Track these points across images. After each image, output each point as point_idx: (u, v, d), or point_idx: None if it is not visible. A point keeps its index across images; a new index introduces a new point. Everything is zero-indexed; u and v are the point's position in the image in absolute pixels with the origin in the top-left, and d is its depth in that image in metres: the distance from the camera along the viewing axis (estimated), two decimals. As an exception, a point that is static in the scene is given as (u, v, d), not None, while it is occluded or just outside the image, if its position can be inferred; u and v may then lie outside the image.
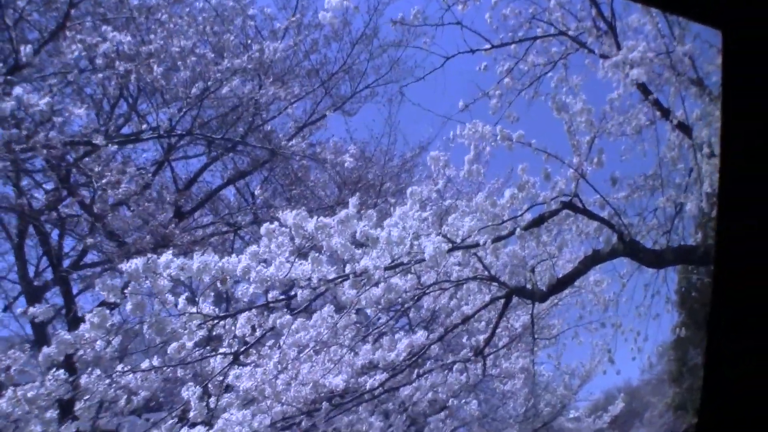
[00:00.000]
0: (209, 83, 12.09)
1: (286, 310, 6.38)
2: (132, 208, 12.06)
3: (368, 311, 9.61)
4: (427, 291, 8.94)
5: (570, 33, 9.01)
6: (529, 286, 8.48)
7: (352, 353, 8.73)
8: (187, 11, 12.08)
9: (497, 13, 9.21)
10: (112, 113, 14.18)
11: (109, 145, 11.13)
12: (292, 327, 6.88)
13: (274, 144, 13.38)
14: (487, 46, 9.15)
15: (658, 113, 8.19)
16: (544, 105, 8.91)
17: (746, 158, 3.21)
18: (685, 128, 7.80)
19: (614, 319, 10.68)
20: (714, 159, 7.06)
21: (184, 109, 12.12)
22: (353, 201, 6.43)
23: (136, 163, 13.83)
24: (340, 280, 6.09)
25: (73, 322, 11.05)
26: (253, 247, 5.54)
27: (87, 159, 11.13)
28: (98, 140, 10.42)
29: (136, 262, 4.90)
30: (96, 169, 10.63)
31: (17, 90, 8.50)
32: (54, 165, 10.82)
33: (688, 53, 7.29)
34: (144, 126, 12.34)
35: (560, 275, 8.39)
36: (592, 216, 7.81)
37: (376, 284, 6.68)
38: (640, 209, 8.99)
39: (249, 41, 13.63)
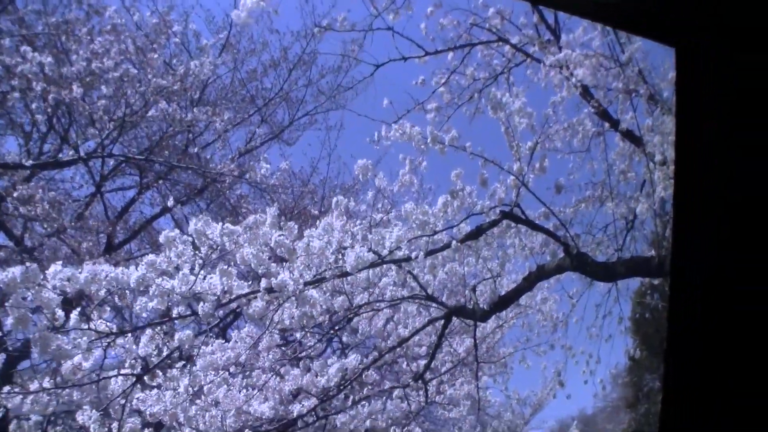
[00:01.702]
0: (133, 103, 11.60)
1: (193, 327, 5.87)
2: (64, 239, 11.54)
3: (297, 334, 9.13)
4: (359, 312, 8.50)
5: (512, 42, 8.66)
6: (470, 305, 8.05)
7: (278, 378, 8.23)
8: (108, 28, 11.59)
9: (433, 23, 8.83)
10: (42, 140, 13.69)
11: (33, 168, 10.76)
12: (208, 348, 6.40)
13: (208, 170, 12.86)
14: (422, 53, 8.75)
15: (606, 124, 7.91)
16: (485, 121, 8.59)
17: (702, 169, 3.02)
18: (633, 137, 7.52)
19: (564, 340, 10.35)
20: (666, 167, 6.79)
21: (106, 131, 11.57)
22: (271, 211, 5.98)
23: (69, 194, 13.38)
24: (251, 295, 5.60)
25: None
26: (150, 257, 5.03)
27: (18, 189, 10.55)
28: (24, 162, 10.01)
29: (13, 271, 4.38)
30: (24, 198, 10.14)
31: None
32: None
33: (639, 69, 7.11)
34: (71, 152, 11.76)
35: (503, 293, 7.99)
36: (535, 227, 7.40)
37: (296, 301, 6.21)
38: (588, 221, 8.70)
39: (174, 60, 13.20)
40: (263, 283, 5.61)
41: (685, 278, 2.92)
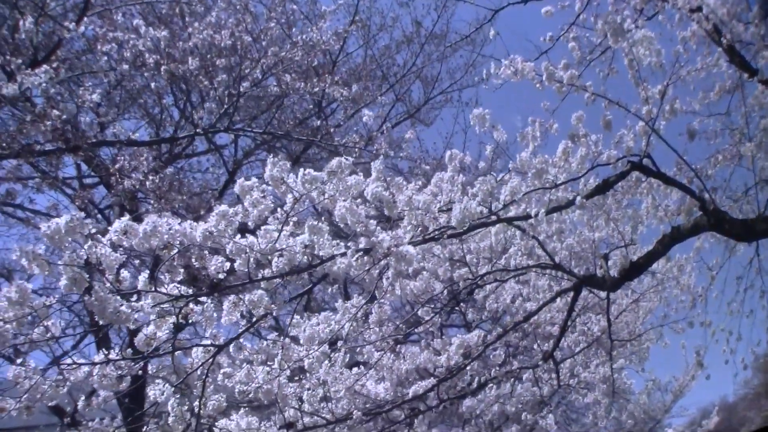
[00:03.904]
0: (253, 77, 11.14)
1: (282, 291, 5.17)
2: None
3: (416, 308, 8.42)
4: (481, 282, 7.76)
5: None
6: (600, 273, 7.21)
7: (393, 355, 7.54)
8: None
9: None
10: (176, 127, 13.60)
11: (151, 144, 10.59)
12: (304, 317, 5.73)
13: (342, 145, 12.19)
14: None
15: (744, 74, 6.99)
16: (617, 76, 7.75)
17: None
18: None
19: (703, 317, 9.69)
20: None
21: (226, 106, 11.14)
22: (376, 164, 5.27)
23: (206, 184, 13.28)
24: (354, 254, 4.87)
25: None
26: (223, 207, 4.37)
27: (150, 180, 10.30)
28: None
29: (57, 221, 3.81)
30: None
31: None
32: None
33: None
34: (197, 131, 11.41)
35: (635, 259, 7.13)
36: (668, 181, 6.54)
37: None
38: (725, 177, 7.84)
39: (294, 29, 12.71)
40: (362, 243, 4.89)
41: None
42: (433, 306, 8.18)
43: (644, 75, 6.35)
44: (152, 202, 10.12)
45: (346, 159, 4.63)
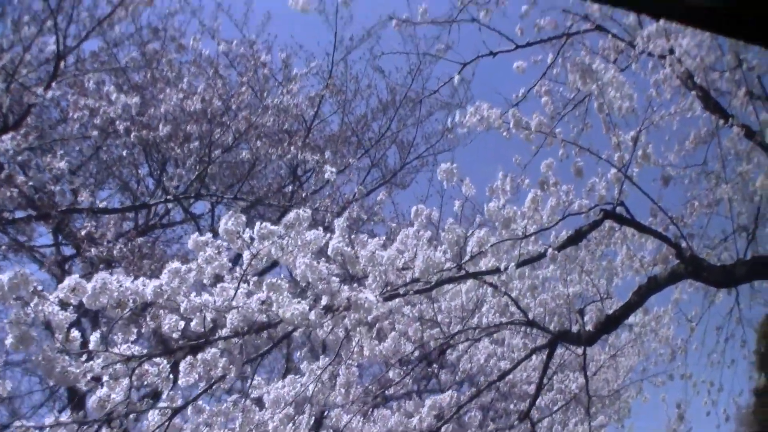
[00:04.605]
0: (224, 141, 11.12)
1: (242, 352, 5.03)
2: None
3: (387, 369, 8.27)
4: (453, 341, 7.64)
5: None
6: (575, 328, 7.12)
7: (362, 419, 7.36)
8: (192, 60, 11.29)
9: (525, 21, 7.98)
10: (138, 185, 13.54)
11: (122, 211, 10.50)
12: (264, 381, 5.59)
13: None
14: (512, 46, 7.90)
15: (718, 119, 7.02)
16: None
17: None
18: (750, 133, 6.75)
19: (683, 369, 9.67)
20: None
21: (195, 172, 11.09)
22: (339, 222, 5.21)
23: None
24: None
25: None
26: (175, 264, 4.26)
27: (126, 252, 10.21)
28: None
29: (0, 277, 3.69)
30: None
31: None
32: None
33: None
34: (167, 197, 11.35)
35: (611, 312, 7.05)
36: (642, 229, 6.48)
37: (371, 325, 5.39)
38: (702, 223, 7.86)
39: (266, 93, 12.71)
40: (323, 301, 4.78)
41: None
42: (404, 368, 8.04)
43: (617, 121, 6.36)
44: (122, 269, 9.99)
45: (305, 211, 4.54)
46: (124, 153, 12.01)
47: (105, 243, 9.48)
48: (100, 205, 10.13)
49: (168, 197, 10.96)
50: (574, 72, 6.47)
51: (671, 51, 6.62)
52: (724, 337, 8.96)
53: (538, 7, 7.88)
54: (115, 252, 9.61)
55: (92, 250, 9.43)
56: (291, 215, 4.49)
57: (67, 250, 13.40)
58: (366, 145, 15.79)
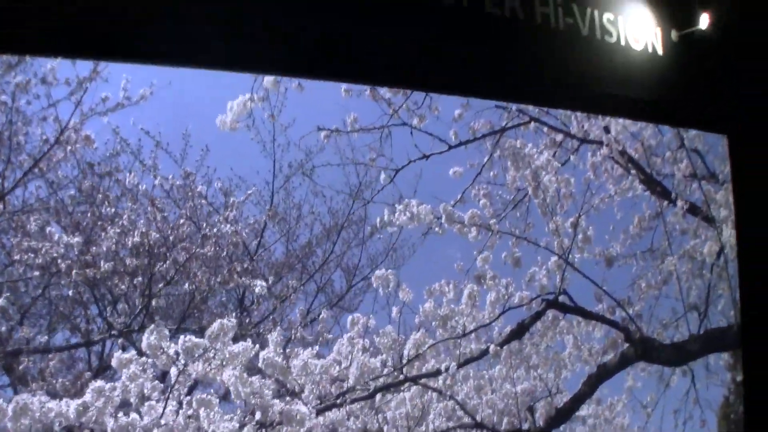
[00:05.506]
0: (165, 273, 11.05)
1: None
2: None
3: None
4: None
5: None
6: (526, 426, 7.01)
7: None
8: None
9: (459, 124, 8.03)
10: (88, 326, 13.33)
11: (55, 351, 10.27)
12: None
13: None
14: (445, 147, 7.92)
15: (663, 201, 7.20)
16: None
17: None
18: (695, 211, 6.89)
19: None
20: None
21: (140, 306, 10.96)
22: (273, 337, 5.12)
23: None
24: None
25: None
26: (98, 383, 4.10)
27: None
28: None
29: None
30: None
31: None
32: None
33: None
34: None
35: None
36: (587, 315, 6.45)
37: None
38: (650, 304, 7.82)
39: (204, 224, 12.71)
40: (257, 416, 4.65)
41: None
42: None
43: (554, 209, 6.40)
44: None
45: (229, 321, 4.46)
46: (70, 293, 11.85)
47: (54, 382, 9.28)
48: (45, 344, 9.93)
49: (113, 332, 10.79)
50: (511, 162, 6.58)
51: (606, 130, 6.69)
52: (682, 420, 8.55)
53: (472, 109, 7.93)
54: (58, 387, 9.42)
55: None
56: (215, 326, 4.40)
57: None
58: (311, 270, 15.74)
